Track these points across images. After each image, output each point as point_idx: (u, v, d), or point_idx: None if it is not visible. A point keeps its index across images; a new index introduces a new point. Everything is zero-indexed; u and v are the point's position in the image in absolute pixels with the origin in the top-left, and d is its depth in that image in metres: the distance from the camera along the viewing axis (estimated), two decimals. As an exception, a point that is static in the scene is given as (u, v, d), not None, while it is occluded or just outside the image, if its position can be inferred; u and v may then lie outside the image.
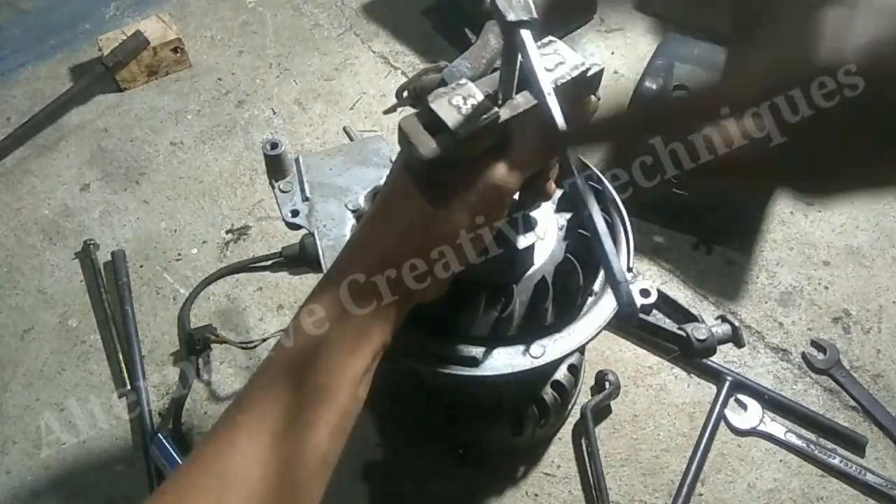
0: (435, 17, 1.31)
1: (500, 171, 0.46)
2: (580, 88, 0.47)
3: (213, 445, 0.43)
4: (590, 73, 0.47)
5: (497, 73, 0.46)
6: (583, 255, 0.58)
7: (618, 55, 1.24)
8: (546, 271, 0.59)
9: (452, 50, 1.21)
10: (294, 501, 0.43)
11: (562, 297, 0.58)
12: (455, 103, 0.44)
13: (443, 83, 1.07)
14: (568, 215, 0.64)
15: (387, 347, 0.48)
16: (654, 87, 0.90)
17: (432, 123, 0.44)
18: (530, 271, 0.59)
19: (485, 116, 0.44)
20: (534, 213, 0.58)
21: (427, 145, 0.43)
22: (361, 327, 0.46)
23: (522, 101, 0.46)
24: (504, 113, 0.45)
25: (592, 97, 0.48)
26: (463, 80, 0.46)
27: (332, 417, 0.44)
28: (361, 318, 0.46)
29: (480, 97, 0.45)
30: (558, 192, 0.62)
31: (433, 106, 0.44)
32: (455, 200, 0.46)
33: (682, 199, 0.95)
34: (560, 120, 0.41)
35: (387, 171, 0.68)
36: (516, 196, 0.53)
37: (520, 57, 0.44)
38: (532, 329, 0.58)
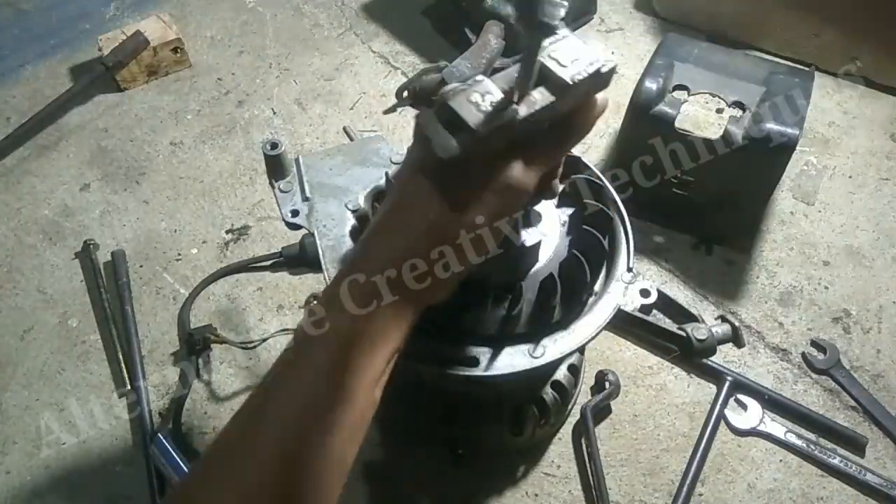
0: (435, 17, 1.31)
1: (518, 170, 0.45)
2: (593, 85, 0.46)
3: (231, 449, 0.43)
4: (604, 69, 0.46)
5: (511, 70, 0.45)
6: (587, 250, 0.58)
7: (618, 55, 1.24)
8: (552, 268, 0.58)
9: (452, 50, 1.21)
10: (318, 499, 0.43)
11: (568, 293, 0.58)
12: (473, 100, 0.43)
13: (443, 83, 1.07)
14: (570, 210, 0.63)
15: (400, 351, 0.48)
16: (654, 87, 0.90)
17: (450, 121, 0.42)
18: (536, 268, 0.59)
19: (504, 114, 0.42)
20: (537, 209, 0.58)
21: (446, 143, 0.42)
22: (376, 330, 0.46)
23: (539, 97, 0.44)
24: (522, 110, 0.43)
25: (600, 95, 0.48)
26: (479, 77, 0.45)
27: (348, 421, 0.44)
28: (375, 320, 0.45)
29: (499, 94, 0.43)
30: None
31: (452, 103, 0.42)
32: (473, 201, 0.44)
33: (682, 199, 0.95)
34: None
35: (386, 171, 0.68)
36: None
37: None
38: (539, 326, 0.58)
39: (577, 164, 0.65)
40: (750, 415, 0.83)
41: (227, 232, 1.02)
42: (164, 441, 0.79)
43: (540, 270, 0.59)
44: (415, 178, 0.46)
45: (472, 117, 0.42)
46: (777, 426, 0.83)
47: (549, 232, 0.60)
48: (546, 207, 0.60)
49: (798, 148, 0.86)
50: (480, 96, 0.43)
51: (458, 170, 0.44)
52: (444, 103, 0.43)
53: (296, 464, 0.42)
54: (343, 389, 0.44)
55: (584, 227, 0.59)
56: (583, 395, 0.85)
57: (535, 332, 0.58)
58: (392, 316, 0.46)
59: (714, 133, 0.87)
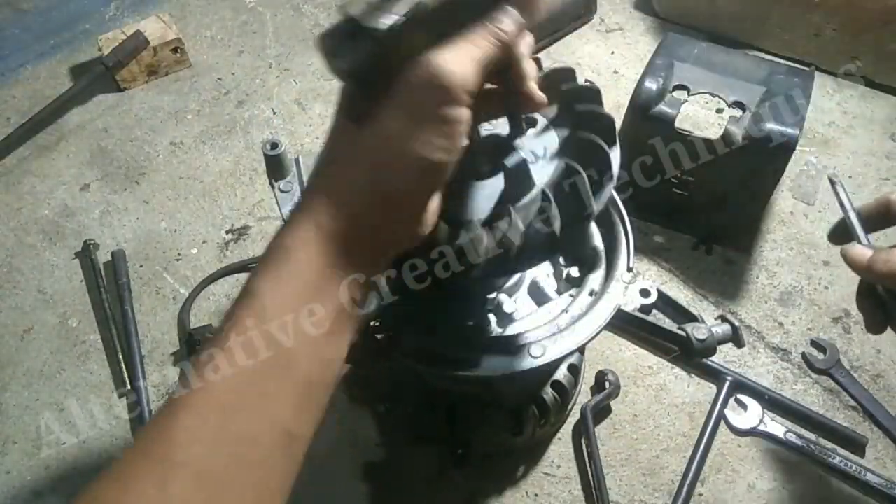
0: (435, 17, 1.31)
1: (438, 60, 0.37)
2: None
3: (155, 427, 0.38)
4: None
5: None
6: (585, 158, 0.50)
7: (618, 55, 1.24)
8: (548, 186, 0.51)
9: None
10: (253, 480, 0.38)
11: (569, 205, 0.49)
12: (375, 3, 0.38)
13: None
14: (565, 131, 0.54)
15: (361, 303, 0.41)
16: (654, 87, 0.90)
17: (353, 31, 0.37)
18: (532, 194, 0.51)
19: (408, 3, 0.37)
20: (532, 139, 0.51)
21: (346, 56, 0.37)
22: (311, 280, 0.39)
23: None
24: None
25: None
26: None
27: (292, 386, 0.39)
28: (310, 268, 0.39)
29: None
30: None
31: (349, 10, 0.38)
32: (383, 107, 0.37)
33: (682, 199, 0.95)
34: None
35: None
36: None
37: None
38: (538, 252, 0.50)
39: (571, 76, 0.55)
40: (750, 415, 0.83)
41: (227, 232, 1.02)
42: (164, 441, 0.79)
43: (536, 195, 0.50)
44: (336, 116, 0.41)
45: (370, 17, 0.37)
46: (777, 426, 0.83)
47: (543, 155, 0.52)
48: (544, 138, 0.53)
49: (798, 148, 0.86)
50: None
51: (374, 82, 0.38)
52: (343, 13, 0.38)
53: (228, 438, 0.37)
54: (279, 353, 0.39)
55: (580, 134, 0.50)
56: (583, 395, 0.85)
57: (534, 257, 0.51)
58: (331, 263, 0.40)
59: (714, 133, 0.87)
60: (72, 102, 1.17)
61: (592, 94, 0.52)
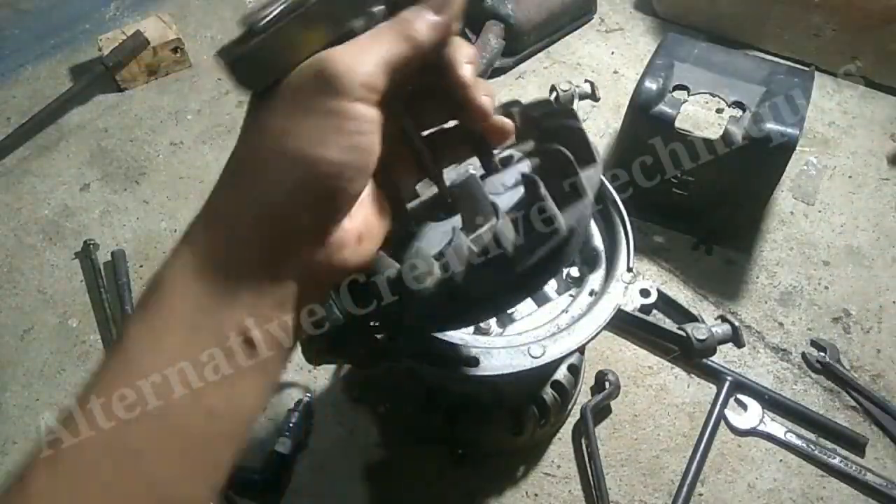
0: (435, 17, 1.31)
1: (326, 53, 0.33)
2: None
3: (7, 497, 0.32)
4: None
5: None
6: (552, 172, 0.42)
7: (618, 55, 1.24)
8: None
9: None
10: None
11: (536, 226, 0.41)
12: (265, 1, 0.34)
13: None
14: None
15: (270, 341, 0.35)
16: (654, 87, 0.90)
17: (243, 37, 0.34)
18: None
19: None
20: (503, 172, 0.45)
21: (233, 52, 0.34)
22: (186, 318, 0.34)
23: None
24: None
25: None
26: None
27: (167, 446, 0.33)
28: (184, 303, 0.35)
29: None
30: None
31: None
32: (264, 108, 0.34)
33: (682, 199, 0.95)
34: None
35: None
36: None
37: None
38: (492, 281, 0.41)
39: (548, 107, 0.47)
40: (750, 415, 0.83)
41: (227, 232, 1.02)
42: (164, 441, 0.79)
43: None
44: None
45: (252, 16, 0.34)
46: (777, 426, 0.83)
47: (510, 187, 0.46)
48: (518, 167, 0.47)
49: (798, 148, 0.86)
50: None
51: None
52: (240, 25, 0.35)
53: None
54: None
55: (544, 146, 0.43)
56: (583, 395, 0.85)
57: (488, 288, 0.42)
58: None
59: (714, 133, 0.87)
60: (72, 102, 1.17)
61: (574, 132, 0.44)
